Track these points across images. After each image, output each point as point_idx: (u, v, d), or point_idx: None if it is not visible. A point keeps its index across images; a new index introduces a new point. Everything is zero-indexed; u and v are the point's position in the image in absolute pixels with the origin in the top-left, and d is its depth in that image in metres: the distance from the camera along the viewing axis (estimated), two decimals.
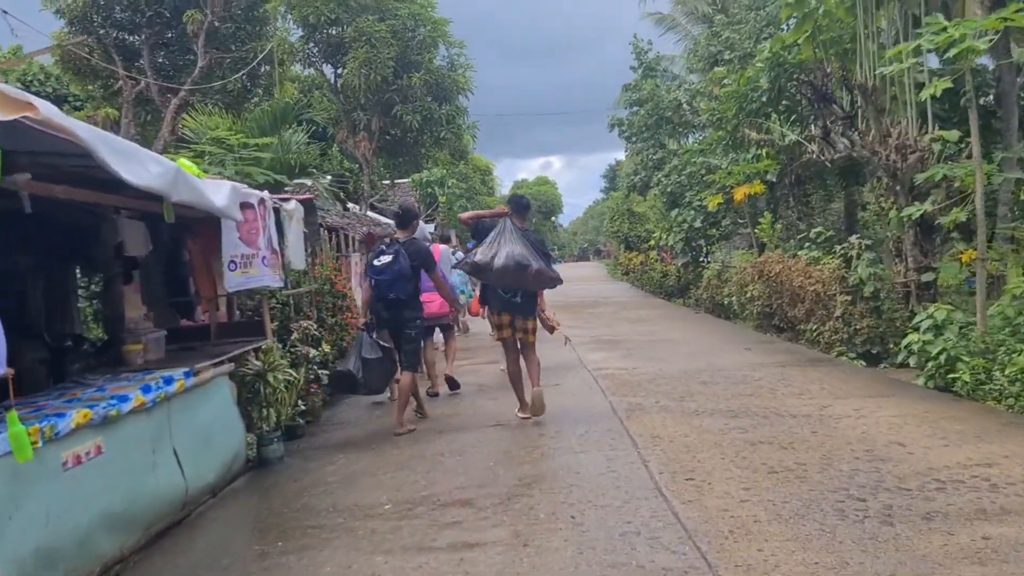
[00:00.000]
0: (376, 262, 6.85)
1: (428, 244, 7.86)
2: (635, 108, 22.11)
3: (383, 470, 5.66)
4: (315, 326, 7.74)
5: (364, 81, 16.36)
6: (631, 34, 23.56)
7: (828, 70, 10.46)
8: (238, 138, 9.50)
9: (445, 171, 27.27)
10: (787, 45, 13.90)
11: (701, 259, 20.21)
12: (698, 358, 9.97)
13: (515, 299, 6.81)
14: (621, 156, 63.80)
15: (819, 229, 12.86)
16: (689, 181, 19.98)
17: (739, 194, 16.16)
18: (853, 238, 10.96)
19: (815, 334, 11.24)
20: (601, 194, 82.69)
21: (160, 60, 20.19)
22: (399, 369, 7.05)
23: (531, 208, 7.51)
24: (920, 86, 10.03)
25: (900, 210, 10.45)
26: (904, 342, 8.59)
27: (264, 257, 5.68)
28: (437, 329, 8.97)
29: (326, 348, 7.59)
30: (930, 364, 8.04)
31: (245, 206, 5.59)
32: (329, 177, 15.89)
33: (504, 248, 6.52)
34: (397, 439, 6.58)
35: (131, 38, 20.00)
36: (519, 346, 6.94)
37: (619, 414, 6.79)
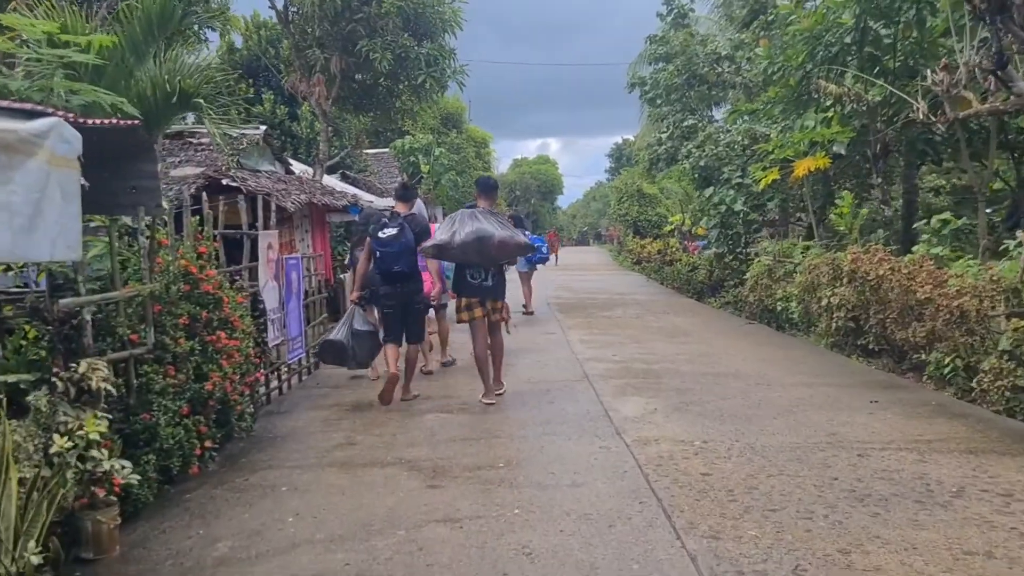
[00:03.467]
0: (381, 234, 6.78)
1: (427, 221, 7.63)
2: (661, 64, 18.12)
3: None
4: (107, 369, 3.91)
5: (319, 6, 12.40)
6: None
7: None
8: (46, 28, 5.62)
9: (431, 138, 23.42)
10: None
11: (739, 250, 16.35)
12: (803, 418, 6.15)
13: (485, 283, 6.80)
14: (628, 136, 60.07)
15: (945, 216, 9.02)
16: (728, 153, 16.10)
17: (800, 168, 12.46)
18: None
19: (949, 371, 7.51)
20: (606, 175, 78.62)
21: None
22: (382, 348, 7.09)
23: (497, 189, 7.59)
24: None
25: None
26: None
27: None
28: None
29: (94, 430, 3.67)
30: None
31: None
32: (263, 128, 11.98)
33: (466, 225, 6.46)
34: None
35: None
36: (488, 327, 6.88)
37: None
